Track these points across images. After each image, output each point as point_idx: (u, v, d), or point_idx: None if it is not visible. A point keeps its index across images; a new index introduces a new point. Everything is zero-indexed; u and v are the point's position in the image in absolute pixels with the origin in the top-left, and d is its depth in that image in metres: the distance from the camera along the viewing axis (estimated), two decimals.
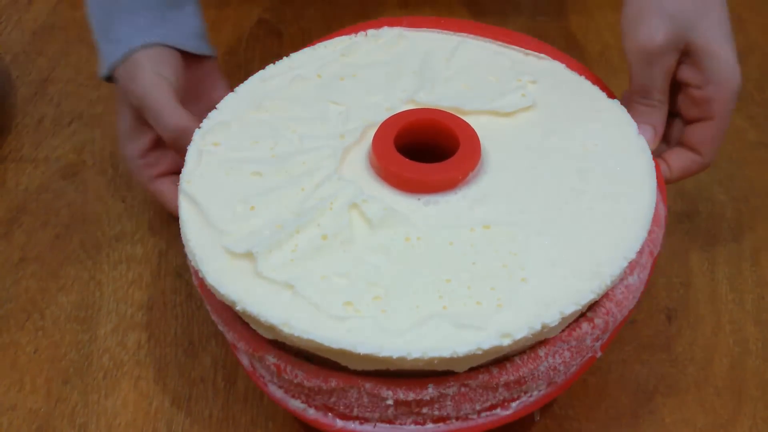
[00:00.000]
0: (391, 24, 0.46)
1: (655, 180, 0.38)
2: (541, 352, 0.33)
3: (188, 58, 0.48)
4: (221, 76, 0.51)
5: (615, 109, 0.41)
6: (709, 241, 0.50)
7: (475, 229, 0.35)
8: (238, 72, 0.63)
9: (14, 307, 0.47)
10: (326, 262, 0.34)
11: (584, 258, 0.34)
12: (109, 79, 0.48)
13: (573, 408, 0.42)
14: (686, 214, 0.52)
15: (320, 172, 0.38)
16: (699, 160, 0.42)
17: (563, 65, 0.44)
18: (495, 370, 0.33)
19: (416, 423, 0.34)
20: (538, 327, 0.31)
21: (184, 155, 0.39)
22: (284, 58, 0.45)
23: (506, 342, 0.31)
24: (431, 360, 0.31)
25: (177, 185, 0.43)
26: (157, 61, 0.45)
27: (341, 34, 0.47)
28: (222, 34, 0.67)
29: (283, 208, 0.36)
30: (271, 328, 0.32)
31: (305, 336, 0.31)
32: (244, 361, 0.37)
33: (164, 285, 0.48)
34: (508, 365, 0.33)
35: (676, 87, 0.43)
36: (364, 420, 0.34)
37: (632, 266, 0.36)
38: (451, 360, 0.31)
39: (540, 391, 0.35)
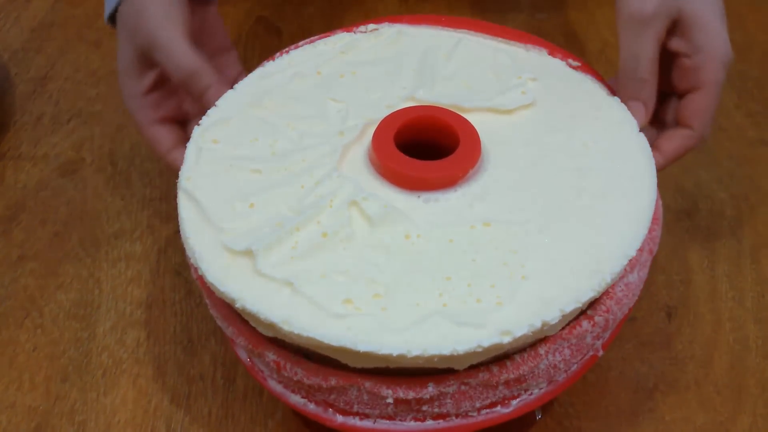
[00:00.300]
0: (391, 22, 0.46)
1: (655, 178, 0.37)
2: (542, 349, 0.33)
3: (193, 1, 0.46)
4: (223, 24, 0.50)
5: (615, 106, 0.41)
6: (709, 239, 0.50)
7: (475, 227, 0.35)
8: None
9: (13, 304, 0.47)
10: (326, 259, 0.34)
11: (584, 256, 0.34)
12: (113, 20, 0.46)
13: (573, 406, 0.42)
14: (686, 212, 0.52)
15: (320, 170, 0.38)
16: (691, 134, 0.42)
17: (563, 62, 0.44)
18: (495, 369, 0.33)
19: (416, 419, 0.34)
20: (539, 325, 0.31)
21: (195, 97, 0.39)
22: (284, 55, 0.45)
23: (506, 340, 0.31)
24: (431, 358, 0.31)
25: (175, 133, 0.44)
26: (165, 1, 0.44)
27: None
28: None
29: (283, 205, 0.36)
30: (271, 325, 0.32)
31: (305, 334, 0.31)
32: (243, 355, 0.37)
33: (163, 283, 0.48)
34: (508, 363, 0.33)
35: (668, 63, 0.42)
36: (364, 416, 0.34)
37: (632, 264, 0.35)
38: (451, 358, 0.31)
39: (541, 389, 0.35)
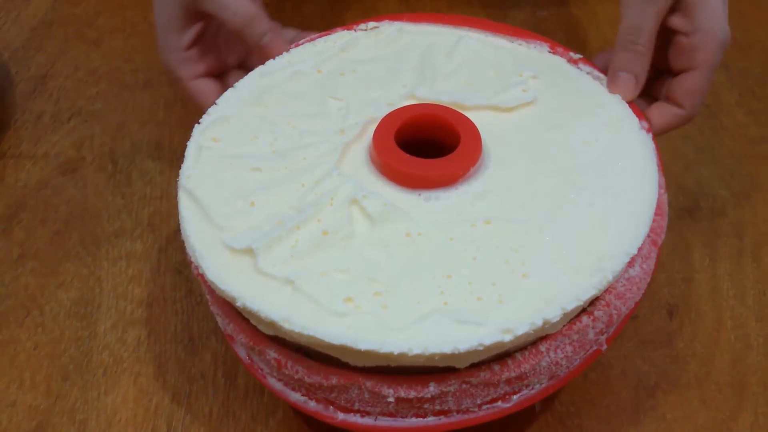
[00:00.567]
0: (391, 20, 0.46)
1: (656, 175, 0.37)
2: (543, 347, 0.33)
3: None
4: None
5: (616, 104, 0.41)
6: (711, 237, 0.50)
7: (476, 225, 0.35)
8: None
9: (13, 303, 0.47)
10: (327, 257, 0.34)
11: (585, 253, 0.34)
12: None
13: (574, 404, 0.42)
14: (687, 210, 0.52)
15: (320, 168, 0.38)
16: (681, 113, 0.42)
17: (564, 60, 0.44)
18: (496, 367, 0.33)
19: (417, 416, 0.34)
20: (540, 323, 0.31)
21: (252, 43, 0.42)
22: (284, 53, 0.45)
23: (507, 338, 0.31)
24: (432, 356, 0.31)
25: (218, 85, 0.46)
26: None
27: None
28: None
29: (283, 203, 0.36)
30: (272, 324, 0.32)
31: (306, 332, 0.31)
32: (242, 353, 0.37)
33: (164, 281, 0.48)
34: (509, 361, 0.33)
35: (665, 40, 0.42)
36: (365, 413, 0.34)
37: (633, 258, 0.35)
38: (452, 356, 0.31)
39: (542, 384, 0.35)
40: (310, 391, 0.35)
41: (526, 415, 0.40)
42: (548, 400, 0.41)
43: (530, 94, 0.41)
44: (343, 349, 0.31)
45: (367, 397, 0.33)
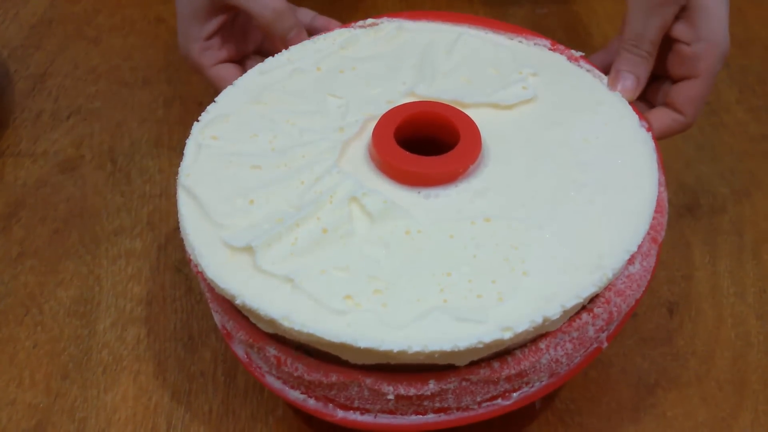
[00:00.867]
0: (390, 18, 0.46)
1: (656, 173, 0.37)
2: (543, 344, 0.33)
3: None
4: None
5: (616, 101, 0.41)
6: (711, 235, 0.50)
7: (475, 222, 0.35)
8: None
9: (13, 302, 0.47)
10: (326, 255, 0.34)
11: (585, 251, 0.34)
12: None
13: (574, 402, 0.42)
14: (687, 207, 0.52)
15: (320, 166, 0.38)
16: (681, 120, 0.42)
17: (564, 57, 0.44)
18: (496, 365, 0.33)
19: (417, 413, 0.34)
20: (540, 320, 0.31)
21: (279, 37, 0.44)
22: (283, 50, 0.45)
23: (507, 335, 0.31)
24: (432, 354, 0.31)
25: (239, 69, 0.47)
26: None
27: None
28: None
29: (283, 201, 0.36)
30: (271, 322, 0.32)
31: (305, 330, 0.31)
32: (240, 351, 0.37)
33: (163, 279, 0.48)
34: (509, 359, 0.33)
35: (665, 47, 0.43)
36: (365, 411, 0.34)
37: (632, 256, 0.35)
38: (452, 354, 0.31)
39: (542, 381, 0.35)
40: (309, 388, 0.34)
41: (526, 412, 0.40)
42: (548, 398, 0.41)
43: (530, 92, 0.41)
44: (343, 346, 0.31)
45: (367, 395, 0.33)
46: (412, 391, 0.33)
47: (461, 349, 0.30)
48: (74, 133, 0.58)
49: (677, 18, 0.42)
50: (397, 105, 0.40)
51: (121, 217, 0.52)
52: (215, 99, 0.42)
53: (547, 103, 0.41)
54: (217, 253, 0.34)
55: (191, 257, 0.35)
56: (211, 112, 0.41)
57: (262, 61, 0.44)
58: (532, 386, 0.35)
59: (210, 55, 0.48)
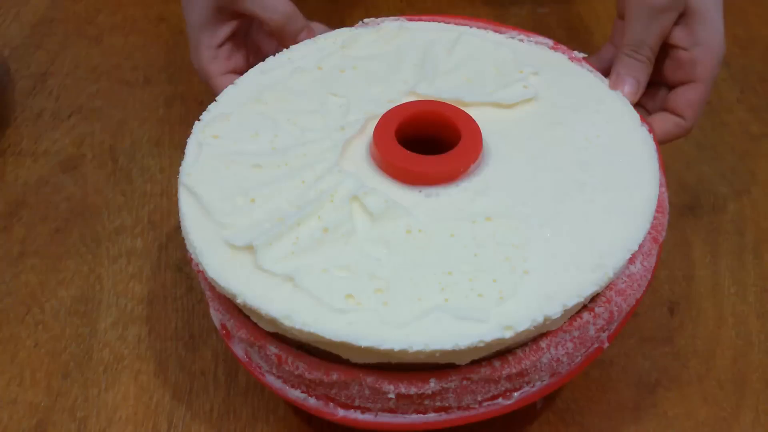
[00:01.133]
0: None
1: (657, 171, 0.37)
2: (543, 343, 0.33)
3: None
4: None
5: (617, 100, 0.41)
6: (712, 234, 0.50)
7: (476, 222, 0.35)
8: None
9: (14, 301, 0.47)
10: (327, 254, 0.34)
11: (586, 250, 0.34)
12: None
13: (575, 401, 0.42)
14: (688, 207, 0.52)
15: (321, 165, 0.38)
16: (682, 124, 0.43)
17: (566, 56, 0.44)
18: (497, 363, 0.33)
19: (418, 412, 0.34)
20: (541, 320, 0.31)
21: (288, 39, 0.44)
22: (284, 50, 0.45)
23: (508, 335, 0.31)
24: (433, 353, 0.31)
25: None
26: None
27: None
28: None
29: (284, 200, 0.36)
30: (272, 321, 0.32)
31: (306, 329, 0.31)
32: (239, 351, 0.37)
33: (164, 278, 0.48)
34: (510, 358, 0.33)
35: (661, 53, 0.43)
36: (365, 410, 0.34)
37: (633, 255, 0.35)
38: (453, 353, 0.31)
39: (543, 381, 0.35)
40: (310, 387, 0.34)
41: (527, 412, 0.40)
42: (549, 398, 0.41)
43: (531, 91, 0.41)
44: (344, 346, 0.31)
45: (368, 394, 0.33)
46: (413, 390, 0.33)
47: (462, 348, 0.30)
48: (75, 132, 0.58)
49: (675, 24, 0.42)
50: (398, 104, 0.40)
51: (122, 216, 0.52)
52: (216, 98, 0.42)
53: (548, 102, 0.41)
54: (218, 252, 0.34)
55: (192, 256, 0.35)
56: (212, 111, 0.41)
57: None
58: (533, 386, 0.35)
59: (219, 64, 0.48)
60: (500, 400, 0.34)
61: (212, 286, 0.35)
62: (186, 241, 0.36)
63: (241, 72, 0.48)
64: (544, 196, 0.36)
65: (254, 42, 0.50)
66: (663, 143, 0.43)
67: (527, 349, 0.33)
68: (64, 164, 0.55)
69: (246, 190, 0.37)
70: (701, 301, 0.46)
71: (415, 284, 0.33)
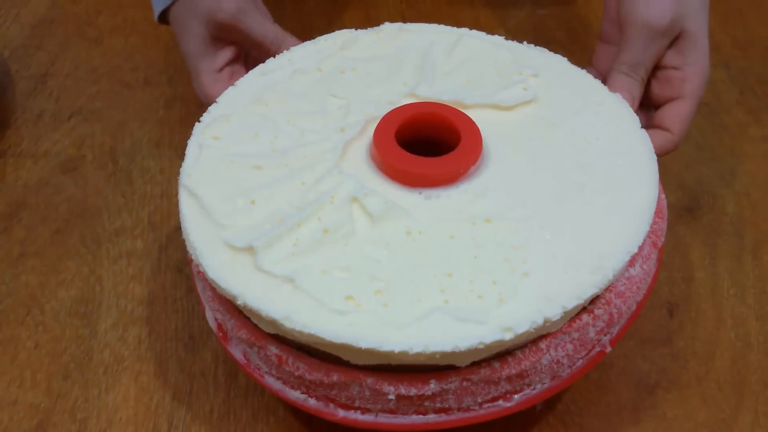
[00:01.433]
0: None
1: (656, 173, 0.37)
2: (543, 344, 0.33)
3: None
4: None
5: (616, 102, 0.41)
6: (711, 236, 0.50)
7: (476, 223, 0.35)
8: None
9: (14, 302, 0.47)
10: (327, 256, 0.34)
11: (586, 252, 0.34)
12: (162, 19, 0.50)
13: (574, 402, 0.42)
14: (688, 209, 0.52)
15: (321, 166, 0.38)
16: (670, 138, 0.44)
17: (565, 58, 0.44)
18: (497, 365, 0.33)
19: (418, 413, 0.34)
20: (540, 321, 0.31)
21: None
22: (284, 51, 0.45)
23: (508, 336, 0.31)
24: (433, 354, 0.31)
25: None
26: None
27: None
28: None
29: (284, 202, 0.36)
30: (272, 322, 0.32)
31: (306, 330, 0.31)
32: (237, 353, 0.37)
33: (164, 280, 0.48)
34: (509, 359, 0.33)
35: (651, 74, 0.45)
36: (365, 410, 0.34)
37: (633, 258, 0.35)
38: (453, 354, 0.31)
39: (544, 384, 0.35)
40: (310, 388, 0.35)
41: (527, 413, 0.40)
42: (549, 400, 0.41)
43: (530, 93, 0.41)
44: (344, 347, 0.31)
45: (368, 395, 0.33)
46: (413, 391, 0.33)
47: (462, 349, 0.31)
48: (75, 133, 0.58)
49: (668, 46, 0.44)
50: (398, 106, 0.40)
51: (122, 218, 0.52)
52: (217, 99, 0.42)
53: (548, 104, 0.41)
54: (219, 253, 0.34)
55: (192, 257, 0.35)
56: (213, 112, 0.41)
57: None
58: (534, 388, 0.35)
59: (220, 86, 0.48)
60: (500, 402, 0.34)
61: (212, 287, 0.35)
62: (186, 243, 0.36)
63: None
64: (543, 198, 0.36)
65: (256, 61, 0.50)
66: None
67: (527, 350, 0.33)
68: (65, 165, 0.55)
69: (246, 191, 0.37)
70: (700, 302, 0.46)
71: (415, 286, 0.33)
